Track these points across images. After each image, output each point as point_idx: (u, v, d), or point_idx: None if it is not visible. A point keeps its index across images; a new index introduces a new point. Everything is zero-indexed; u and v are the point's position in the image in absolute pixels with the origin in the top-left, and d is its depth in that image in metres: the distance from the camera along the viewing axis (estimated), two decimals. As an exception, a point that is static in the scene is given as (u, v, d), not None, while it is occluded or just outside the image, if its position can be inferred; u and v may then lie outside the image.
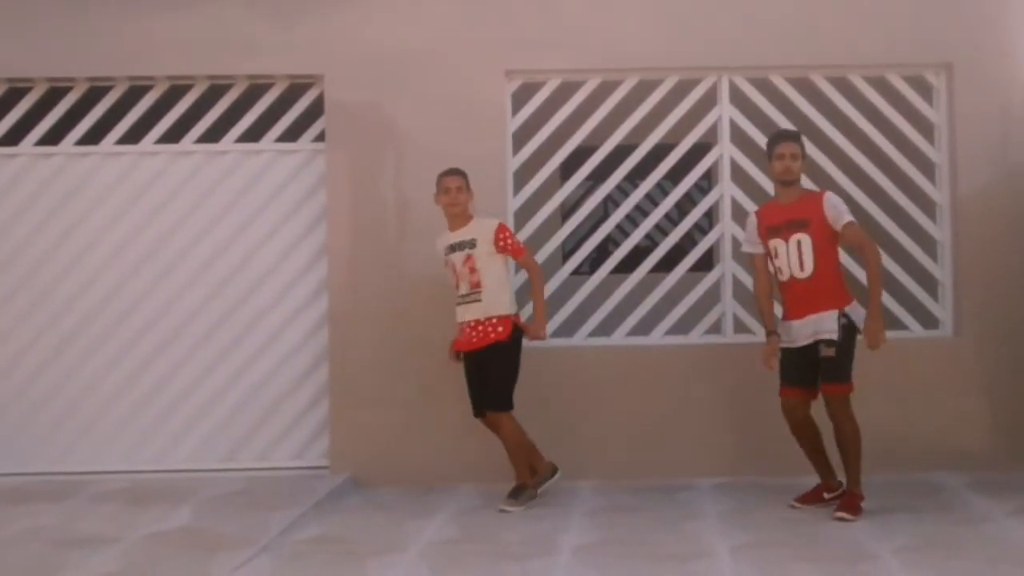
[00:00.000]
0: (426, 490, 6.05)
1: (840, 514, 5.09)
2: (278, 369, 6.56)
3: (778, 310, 5.61)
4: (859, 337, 5.17)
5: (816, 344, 5.20)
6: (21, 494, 5.93)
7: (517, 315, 5.67)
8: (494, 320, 5.53)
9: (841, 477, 5.40)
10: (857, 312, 5.23)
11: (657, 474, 6.21)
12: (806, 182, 6.43)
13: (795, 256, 5.24)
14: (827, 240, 5.23)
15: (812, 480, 5.58)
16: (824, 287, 5.22)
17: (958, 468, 6.16)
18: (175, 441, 6.57)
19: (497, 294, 5.57)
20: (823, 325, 5.18)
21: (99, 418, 6.56)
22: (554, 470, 5.75)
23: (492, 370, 5.54)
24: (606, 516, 5.37)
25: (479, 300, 5.54)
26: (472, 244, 5.58)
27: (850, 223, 5.21)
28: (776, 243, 5.33)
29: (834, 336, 5.13)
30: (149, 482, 6.21)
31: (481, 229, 5.62)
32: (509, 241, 5.61)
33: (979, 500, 5.50)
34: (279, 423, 6.55)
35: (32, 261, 6.58)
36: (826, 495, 5.44)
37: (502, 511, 5.45)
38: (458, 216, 5.66)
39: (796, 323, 5.30)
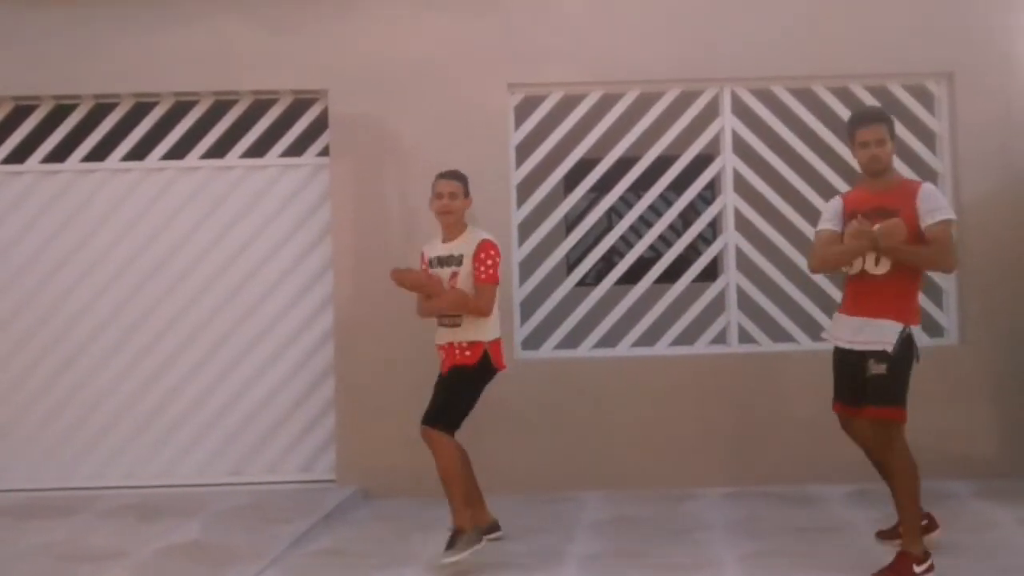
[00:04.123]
0: (433, 502, 6.02)
1: None
2: (285, 382, 6.58)
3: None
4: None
5: (865, 357, 4.48)
6: (30, 509, 5.94)
7: (494, 343, 4.93)
8: (464, 344, 4.90)
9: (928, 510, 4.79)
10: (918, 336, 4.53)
11: (663, 484, 6.21)
12: (810, 190, 6.47)
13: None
14: (913, 238, 4.41)
15: (821, 489, 5.60)
16: (895, 291, 4.46)
17: (965, 476, 6.15)
18: (183, 455, 6.58)
19: (479, 322, 4.90)
20: (879, 334, 4.44)
21: (106, 433, 6.58)
22: (490, 529, 5.17)
23: (447, 386, 4.94)
24: (612, 526, 5.38)
25: (458, 325, 4.91)
26: (459, 261, 4.94)
27: (941, 223, 4.40)
28: None
29: (888, 349, 4.39)
30: (157, 497, 6.22)
31: (469, 244, 4.95)
32: (487, 263, 4.87)
33: (987, 507, 5.51)
34: (286, 436, 6.57)
35: (39, 277, 6.61)
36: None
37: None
38: (452, 226, 5.02)
39: (845, 317, 4.61)
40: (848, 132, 4.80)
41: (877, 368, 4.41)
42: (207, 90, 6.57)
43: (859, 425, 4.64)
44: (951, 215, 4.47)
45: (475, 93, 6.40)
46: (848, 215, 4.63)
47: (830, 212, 4.77)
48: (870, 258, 4.49)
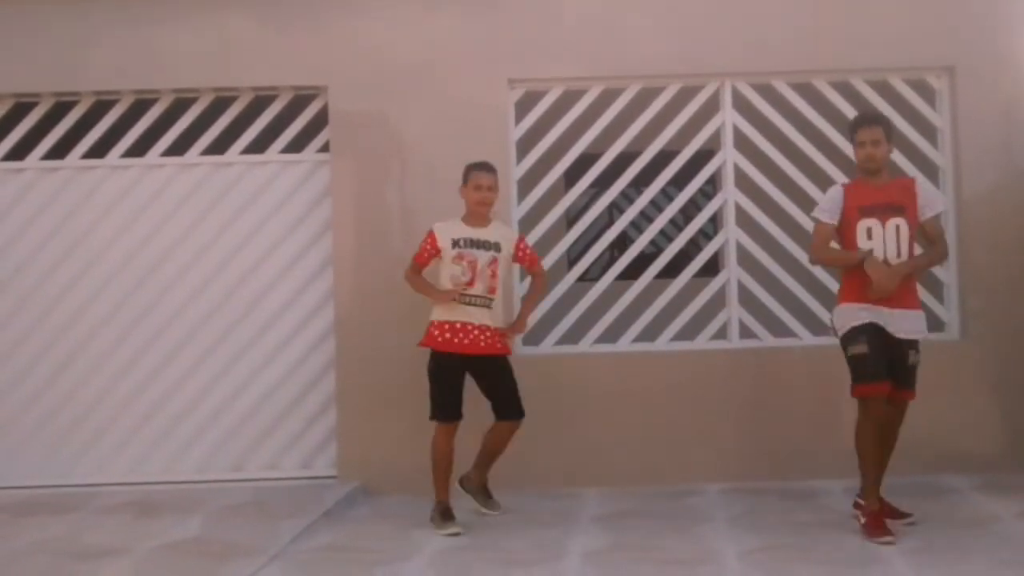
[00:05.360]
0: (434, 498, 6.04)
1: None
2: (285, 378, 6.57)
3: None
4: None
5: (903, 345, 4.96)
6: (29, 506, 5.94)
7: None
8: (499, 331, 5.47)
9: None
10: None
11: (664, 480, 6.20)
12: (811, 185, 6.47)
13: (892, 242, 4.92)
14: (915, 230, 5.02)
15: (822, 484, 5.60)
16: (914, 281, 5.05)
17: (966, 470, 6.14)
18: (183, 452, 6.57)
19: (501, 306, 5.52)
20: (917, 324, 5.01)
21: (106, 430, 6.58)
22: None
23: (510, 379, 5.51)
24: (614, 522, 5.37)
25: (489, 307, 5.38)
26: (498, 248, 5.43)
27: (939, 216, 5.10)
28: (870, 223, 4.95)
29: (919, 338, 5.02)
30: (157, 493, 6.22)
31: (505, 236, 5.53)
32: (528, 251, 5.65)
33: (987, 502, 5.50)
34: (287, 432, 6.56)
35: (39, 274, 6.60)
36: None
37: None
38: (484, 215, 5.46)
39: (897, 311, 4.94)
40: (849, 132, 5.24)
41: (915, 358, 5.02)
42: (207, 86, 6.56)
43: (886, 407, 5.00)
44: (943, 206, 5.13)
45: (476, 89, 6.39)
46: (852, 210, 5.00)
47: (829, 203, 5.10)
48: (892, 252, 4.91)
